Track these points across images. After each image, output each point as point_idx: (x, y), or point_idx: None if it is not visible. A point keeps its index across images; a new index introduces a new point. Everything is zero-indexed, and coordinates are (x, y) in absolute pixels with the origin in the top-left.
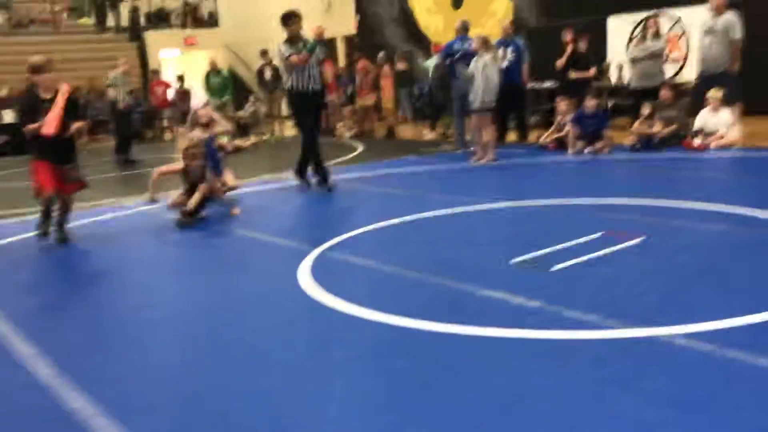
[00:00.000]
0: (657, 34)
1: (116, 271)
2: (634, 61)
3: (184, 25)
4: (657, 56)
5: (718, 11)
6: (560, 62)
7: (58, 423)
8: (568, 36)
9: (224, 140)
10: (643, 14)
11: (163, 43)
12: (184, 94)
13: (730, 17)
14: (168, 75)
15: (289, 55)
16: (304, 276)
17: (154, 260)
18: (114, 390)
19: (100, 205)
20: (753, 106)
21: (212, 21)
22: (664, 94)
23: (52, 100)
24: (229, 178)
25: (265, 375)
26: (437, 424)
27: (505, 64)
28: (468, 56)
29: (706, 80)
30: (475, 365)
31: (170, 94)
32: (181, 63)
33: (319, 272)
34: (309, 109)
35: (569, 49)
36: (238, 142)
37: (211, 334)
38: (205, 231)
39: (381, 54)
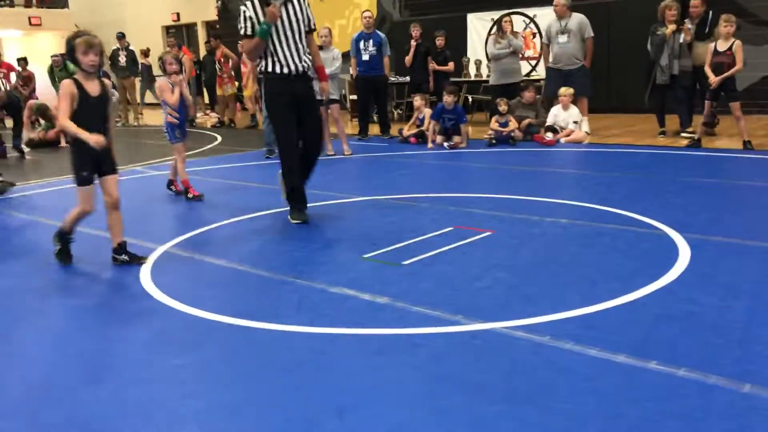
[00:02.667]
0: (513, 33)
1: None
2: (495, 58)
3: (28, 5)
4: (515, 54)
5: (562, 14)
6: (408, 58)
7: None
8: (414, 31)
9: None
10: (500, 12)
11: (4, 22)
12: (27, 78)
13: (582, 18)
14: (9, 57)
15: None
16: (146, 276)
17: None
18: None
19: None
20: (598, 103)
21: (61, 1)
22: (528, 95)
23: None
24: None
25: (106, 381)
26: (269, 427)
27: (366, 57)
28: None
29: (564, 76)
30: (316, 364)
31: (12, 78)
32: (24, 45)
33: (162, 271)
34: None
35: (413, 44)
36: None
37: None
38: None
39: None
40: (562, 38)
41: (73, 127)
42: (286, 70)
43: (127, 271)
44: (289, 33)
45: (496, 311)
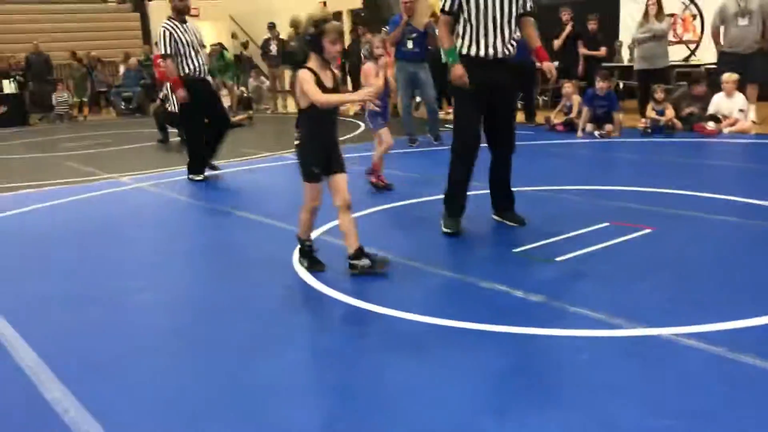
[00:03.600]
0: (659, 16)
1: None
2: (638, 42)
3: None
4: (660, 38)
5: None
6: (557, 43)
7: (36, 414)
8: (565, 15)
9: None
10: None
11: (164, 14)
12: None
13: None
14: None
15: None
16: (298, 261)
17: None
18: (93, 381)
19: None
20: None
21: None
22: (699, 89)
23: None
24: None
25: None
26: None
27: None
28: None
29: (741, 60)
30: (466, 362)
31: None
32: None
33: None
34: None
35: (568, 28)
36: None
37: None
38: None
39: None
40: (743, 21)
41: (335, 97)
42: (482, 53)
43: (280, 257)
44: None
45: (661, 316)
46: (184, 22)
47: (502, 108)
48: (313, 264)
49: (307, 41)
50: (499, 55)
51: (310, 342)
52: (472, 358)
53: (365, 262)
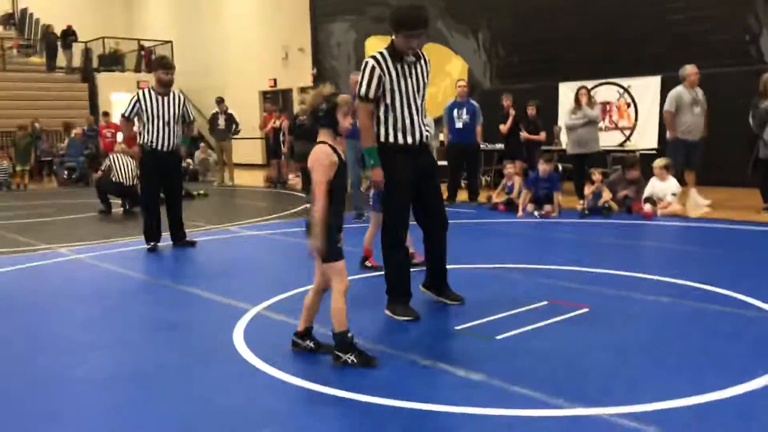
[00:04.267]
0: (590, 103)
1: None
2: (570, 128)
3: (138, 69)
4: (593, 123)
5: (694, 84)
6: (504, 127)
7: None
8: (505, 101)
9: None
10: (593, 82)
11: (116, 85)
12: (134, 139)
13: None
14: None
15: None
16: (239, 338)
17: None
18: None
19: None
20: (697, 176)
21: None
22: (634, 173)
23: None
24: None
25: None
26: None
27: (459, 125)
28: None
29: (689, 147)
30: None
31: (120, 137)
32: None
33: (256, 334)
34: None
35: (511, 113)
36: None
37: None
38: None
39: None
40: (697, 109)
41: (320, 205)
42: (410, 140)
43: (221, 331)
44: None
45: (598, 395)
46: (164, 94)
47: (430, 190)
48: (366, 359)
49: (320, 117)
50: (423, 139)
51: (244, 420)
52: None
53: (308, 344)
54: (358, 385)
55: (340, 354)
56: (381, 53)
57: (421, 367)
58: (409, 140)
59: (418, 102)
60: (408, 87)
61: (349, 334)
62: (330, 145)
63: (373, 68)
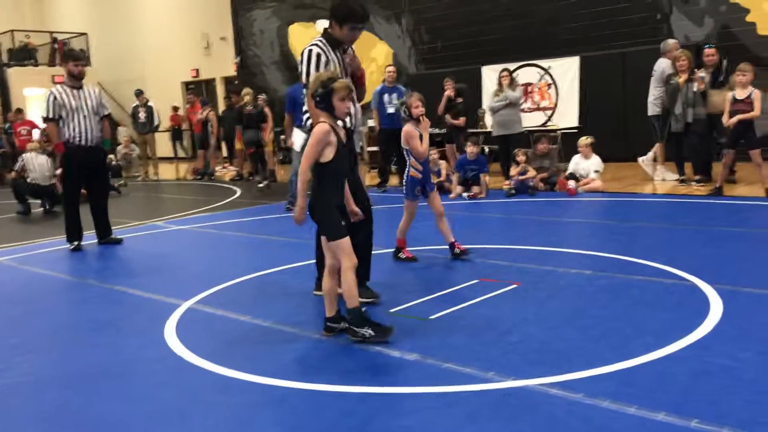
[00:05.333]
0: (512, 85)
1: None
2: (493, 111)
3: (52, 63)
4: (515, 105)
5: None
6: (439, 108)
7: None
8: (447, 84)
9: None
10: (514, 65)
11: (29, 80)
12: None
13: None
14: (32, 115)
15: None
16: (172, 334)
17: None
18: None
19: None
20: (616, 152)
21: (83, 59)
22: (541, 147)
23: None
24: None
25: None
26: None
27: (390, 110)
28: None
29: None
30: (346, 426)
31: (36, 134)
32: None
33: (187, 329)
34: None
35: (444, 96)
36: None
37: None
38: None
39: (262, 96)
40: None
41: (301, 187)
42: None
43: (152, 327)
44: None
45: (528, 368)
46: (78, 87)
47: (355, 177)
48: (383, 330)
49: (317, 101)
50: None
51: (181, 417)
52: (348, 426)
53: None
54: (294, 372)
55: (356, 329)
56: (321, 41)
57: (356, 350)
58: (348, 124)
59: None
60: (346, 75)
61: (363, 309)
62: (331, 126)
63: (319, 55)
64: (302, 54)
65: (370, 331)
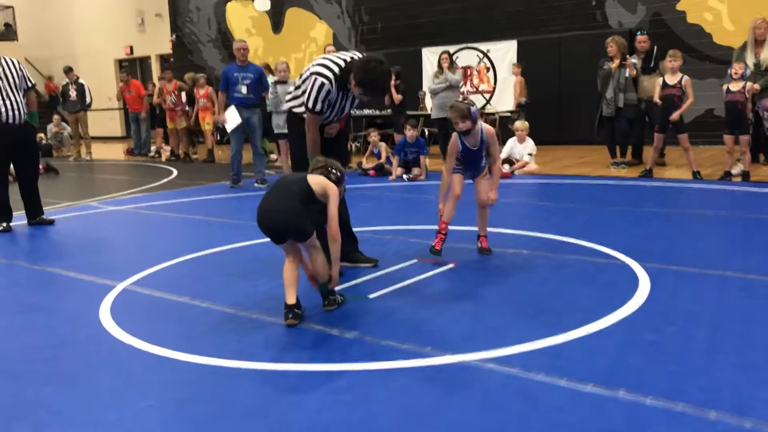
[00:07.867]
0: (452, 68)
1: None
2: (433, 93)
3: None
4: (455, 88)
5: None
6: (397, 97)
7: None
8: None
9: None
10: (455, 47)
11: None
12: None
13: None
14: None
15: None
16: (107, 315)
17: None
18: None
19: None
20: (550, 135)
21: (9, 34)
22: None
23: None
24: None
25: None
26: None
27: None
28: None
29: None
30: (286, 402)
31: None
32: None
33: (123, 310)
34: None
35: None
36: None
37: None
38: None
39: (201, 75)
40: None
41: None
42: None
43: (86, 309)
44: None
45: (464, 343)
46: None
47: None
48: (330, 300)
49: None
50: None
51: (116, 398)
52: (287, 402)
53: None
54: (233, 352)
55: (331, 298)
56: (334, 76)
57: (295, 330)
58: None
59: None
60: (342, 113)
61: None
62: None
63: (325, 89)
64: (310, 76)
65: (340, 298)
